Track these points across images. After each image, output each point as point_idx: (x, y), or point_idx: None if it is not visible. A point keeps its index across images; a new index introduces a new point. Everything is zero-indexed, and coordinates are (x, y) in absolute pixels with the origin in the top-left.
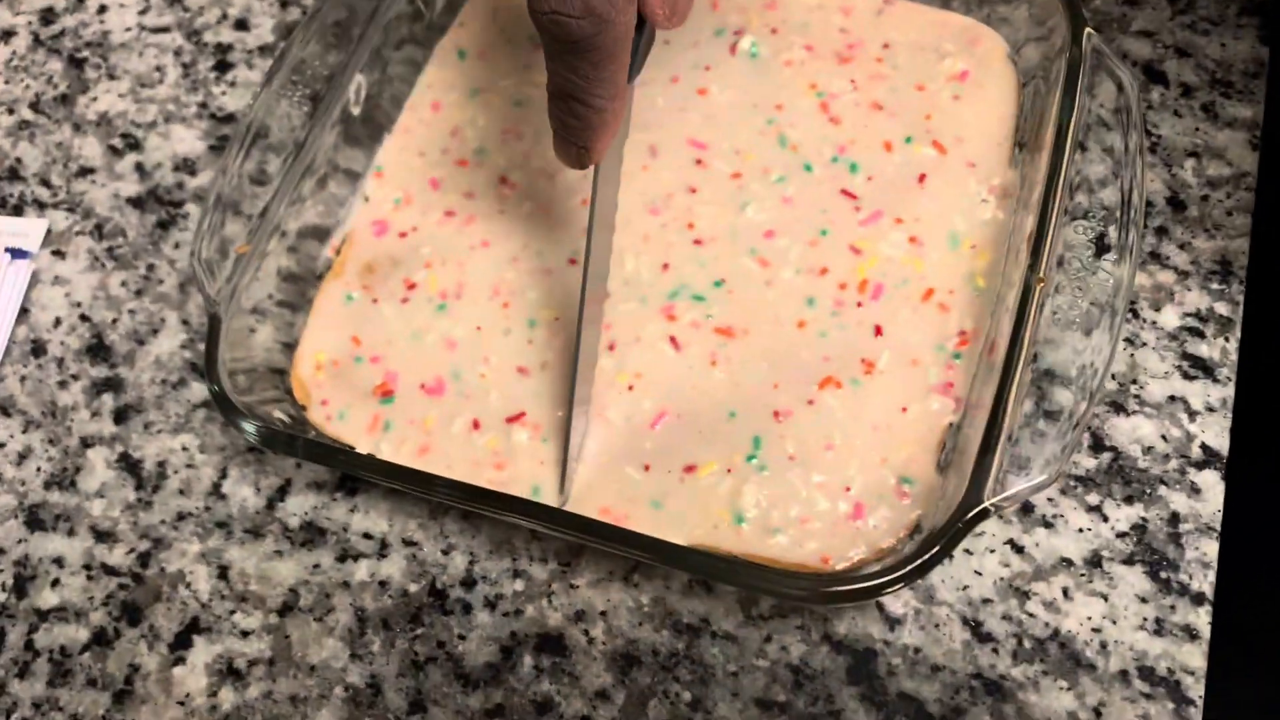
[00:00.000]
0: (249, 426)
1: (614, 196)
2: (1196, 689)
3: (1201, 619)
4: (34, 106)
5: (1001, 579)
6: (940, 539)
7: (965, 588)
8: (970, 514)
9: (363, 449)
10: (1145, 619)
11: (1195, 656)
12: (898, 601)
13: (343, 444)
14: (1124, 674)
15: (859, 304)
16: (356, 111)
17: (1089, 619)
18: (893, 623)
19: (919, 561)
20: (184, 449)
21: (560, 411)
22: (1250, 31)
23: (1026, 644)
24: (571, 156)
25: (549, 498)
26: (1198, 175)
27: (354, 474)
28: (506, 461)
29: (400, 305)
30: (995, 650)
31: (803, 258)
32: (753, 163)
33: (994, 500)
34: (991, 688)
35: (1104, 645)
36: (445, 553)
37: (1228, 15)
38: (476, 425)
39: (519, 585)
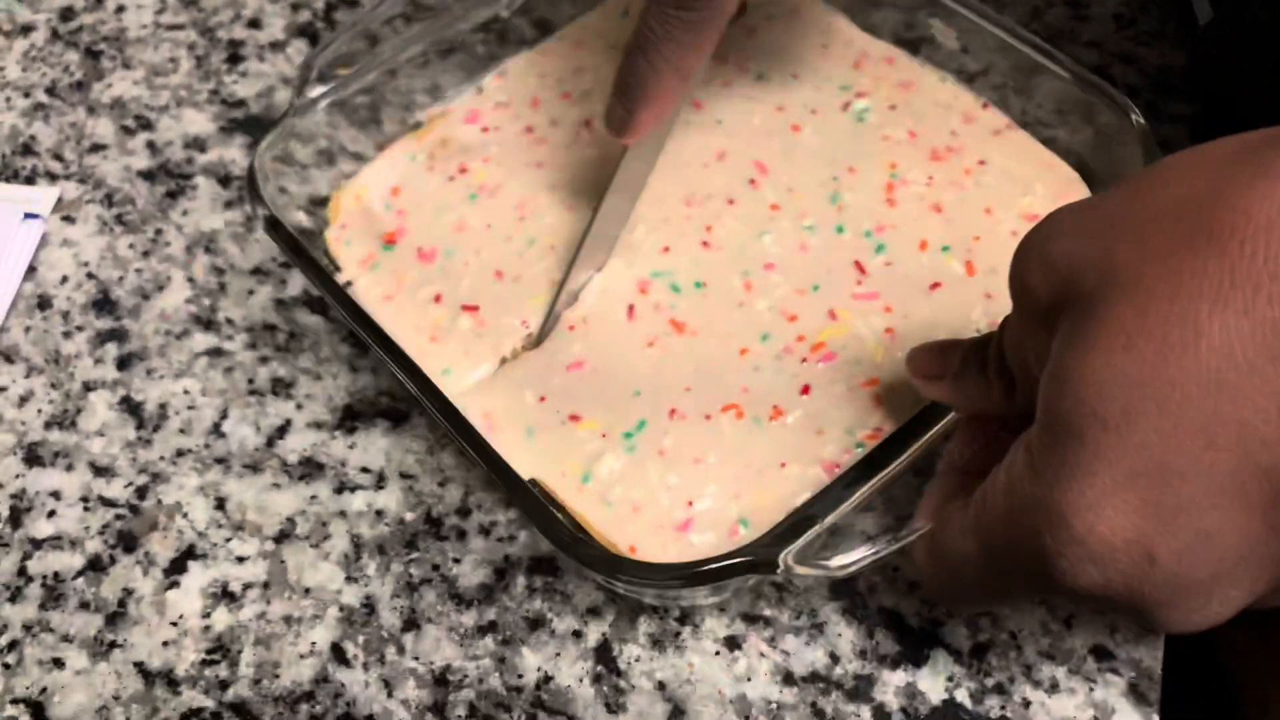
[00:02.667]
0: (261, 211)
1: (642, 176)
2: None
3: None
4: (50, 91)
5: None
6: (715, 563)
7: None
8: (753, 558)
9: (346, 275)
10: None
11: None
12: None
13: (333, 259)
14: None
15: (804, 359)
16: (508, 13)
17: None
18: None
19: (689, 573)
20: (185, 392)
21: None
22: (1185, 45)
23: None
24: (615, 119)
25: (451, 385)
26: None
27: (310, 282)
28: (440, 337)
29: (445, 181)
30: None
31: (784, 299)
32: (796, 204)
33: (788, 559)
34: None
35: None
36: (441, 484)
37: (1166, 29)
38: (438, 299)
39: (512, 514)
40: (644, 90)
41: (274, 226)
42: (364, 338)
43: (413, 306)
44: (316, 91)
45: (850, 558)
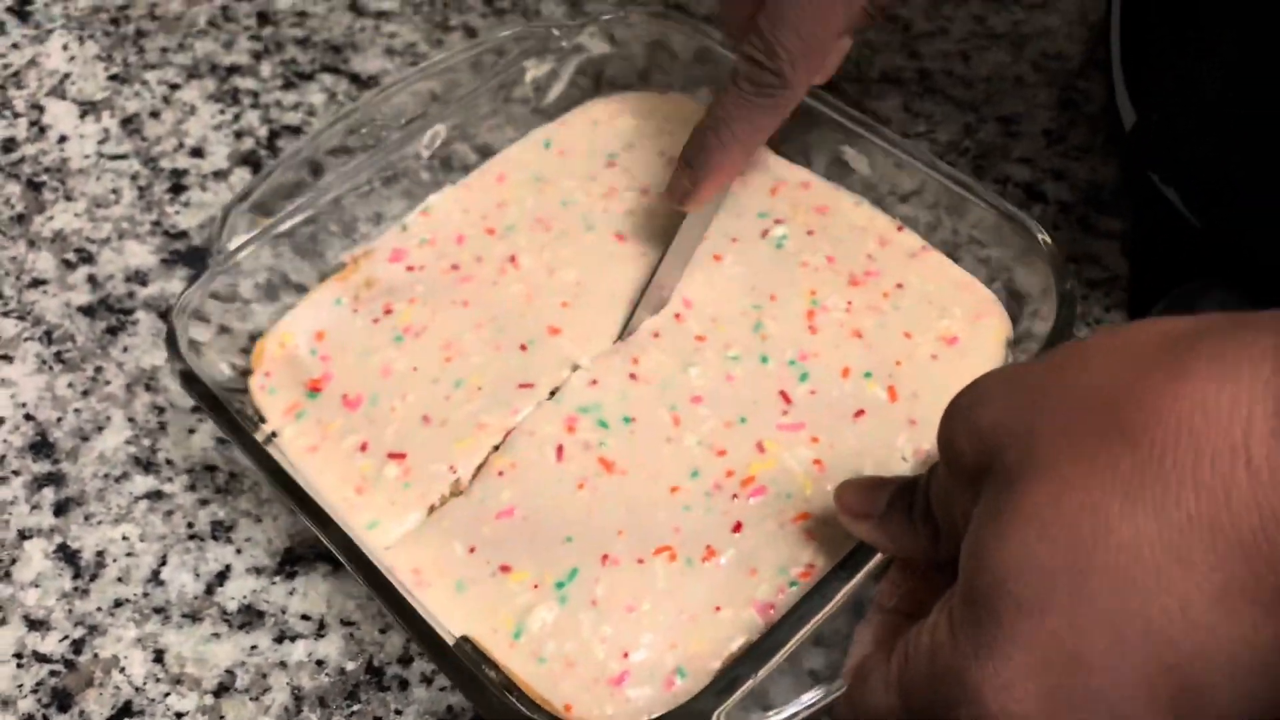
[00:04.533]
0: (178, 366)
1: (696, 240)
2: None
3: None
4: None
5: None
6: None
7: None
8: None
9: (271, 425)
10: None
11: None
12: None
13: (257, 411)
14: None
15: (734, 495)
16: (429, 153)
17: None
18: None
19: None
20: (124, 538)
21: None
22: (1114, 158)
23: None
24: (680, 190)
25: (379, 537)
26: (1078, 278)
27: (224, 433)
28: (366, 488)
29: (370, 323)
30: None
31: (712, 432)
32: (721, 334)
33: (722, 716)
34: None
35: None
36: (383, 631)
37: (1095, 144)
38: (364, 447)
39: None
40: (710, 165)
41: (189, 381)
42: (283, 499)
43: (338, 457)
44: (235, 242)
45: (782, 714)
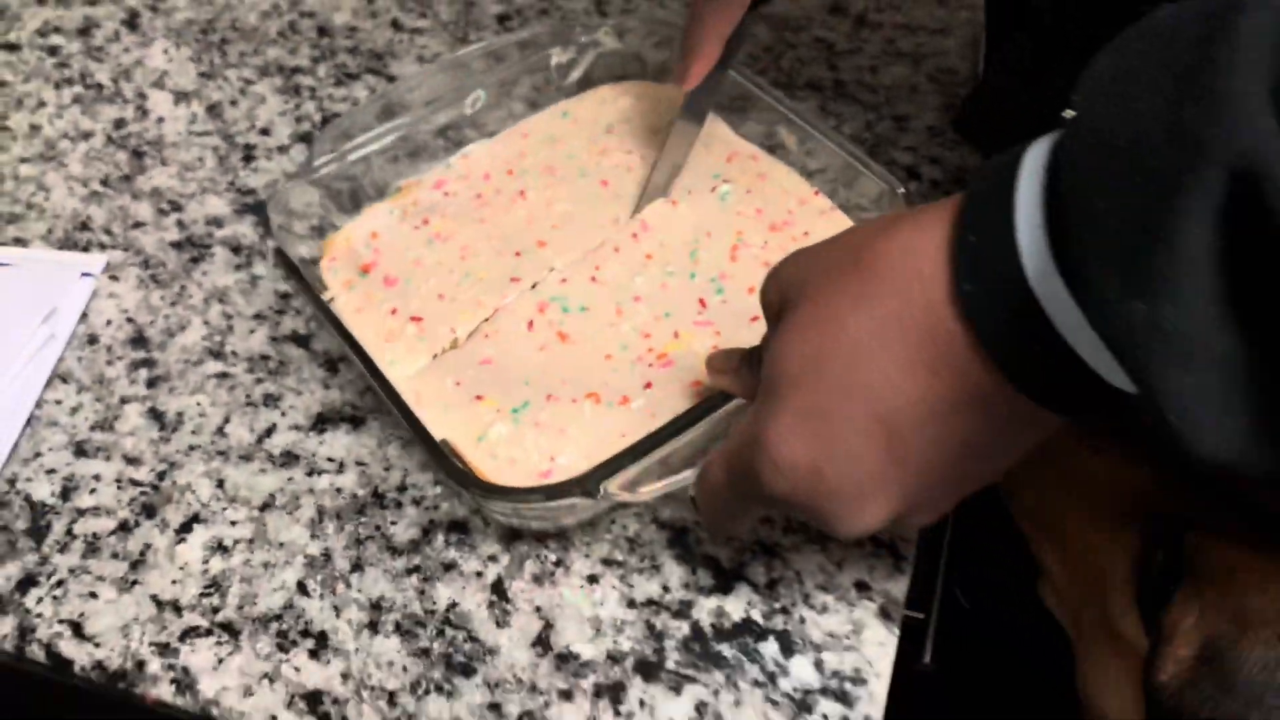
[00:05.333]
0: (271, 243)
1: (698, 127)
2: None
3: None
4: (104, 182)
5: None
6: (567, 491)
7: None
8: (576, 483)
9: (331, 293)
10: None
11: None
12: None
13: (323, 282)
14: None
15: (650, 365)
16: (471, 112)
17: None
18: None
19: (527, 491)
20: (198, 404)
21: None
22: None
23: (794, 523)
24: (677, 73)
25: (397, 371)
26: None
27: (300, 293)
28: (392, 339)
29: (412, 230)
30: (771, 525)
31: (644, 322)
32: (663, 255)
33: (606, 486)
34: (766, 548)
35: None
36: (386, 469)
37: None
38: (394, 312)
39: (438, 490)
40: (691, 47)
41: (280, 255)
42: (335, 335)
43: (376, 317)
44: (318, 161)
45: (652, 487)
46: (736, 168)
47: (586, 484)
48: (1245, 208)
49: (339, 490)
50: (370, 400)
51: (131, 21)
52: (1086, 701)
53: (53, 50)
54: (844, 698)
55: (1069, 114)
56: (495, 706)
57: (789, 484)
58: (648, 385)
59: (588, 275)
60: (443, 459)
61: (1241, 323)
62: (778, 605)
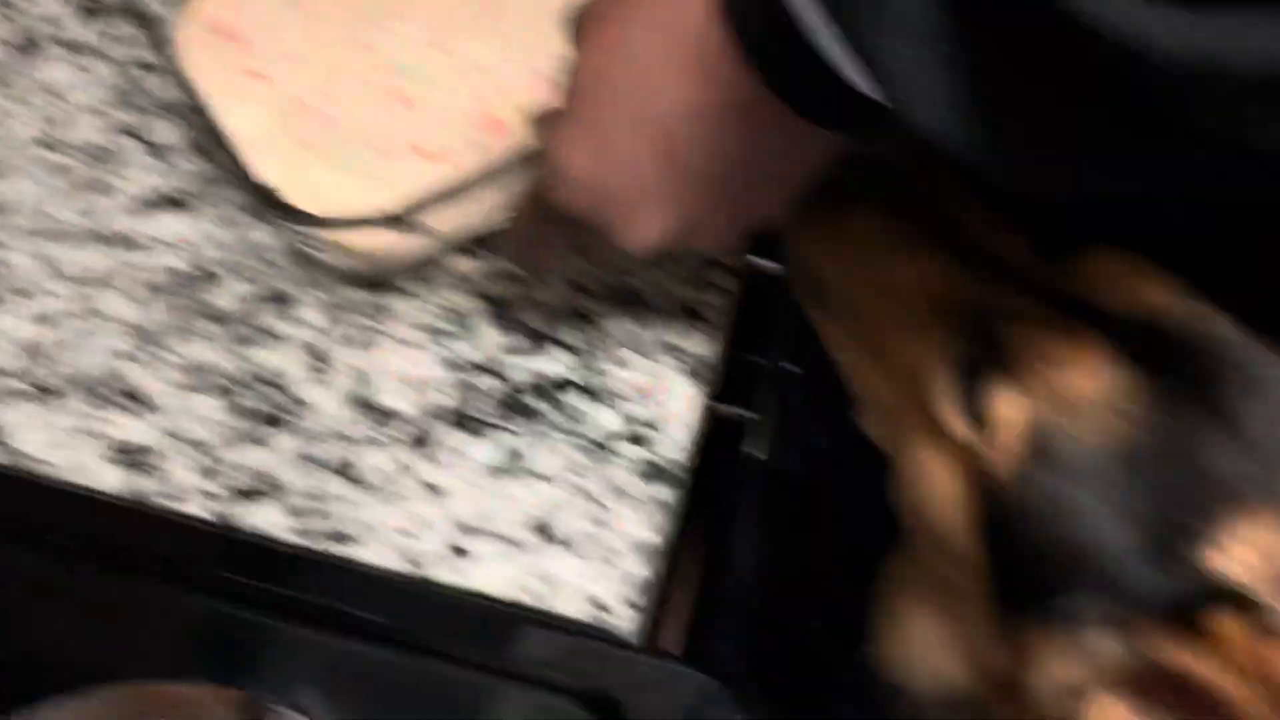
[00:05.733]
0: None
1: None
2: None
3: None
4: None
5: None
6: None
7: None
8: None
9: (183, 50)
10: None
11: None
12: None
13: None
14: None
15: (484, 127)
16: None
17: None
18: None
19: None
20: (27, 191)
21: None
22: None
23: (607, 288)
24: None
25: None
26: None
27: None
28: (235, 92)
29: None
30: (586, 292)
31: (485, 90)
32: (512, 31)
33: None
34: (580, 314)
35: None
36: (212, 246)
37: None
38: (243, 71)
39: (262, 264)
40: None
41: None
42: (181, 87)
43: (223, 74)
44: None
45: (464, 221)
46: None
47: (399, 216)
48: None
49: (164, 267)
50: (200, 185)
51: None
52: (911, 511)
53: None
54: (644, 442)
55: None
56: (308, 456)
57: (576, 194)
58: (476, 145)
59: (436, 46)
60: (271, 197)
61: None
62: (587, 364)
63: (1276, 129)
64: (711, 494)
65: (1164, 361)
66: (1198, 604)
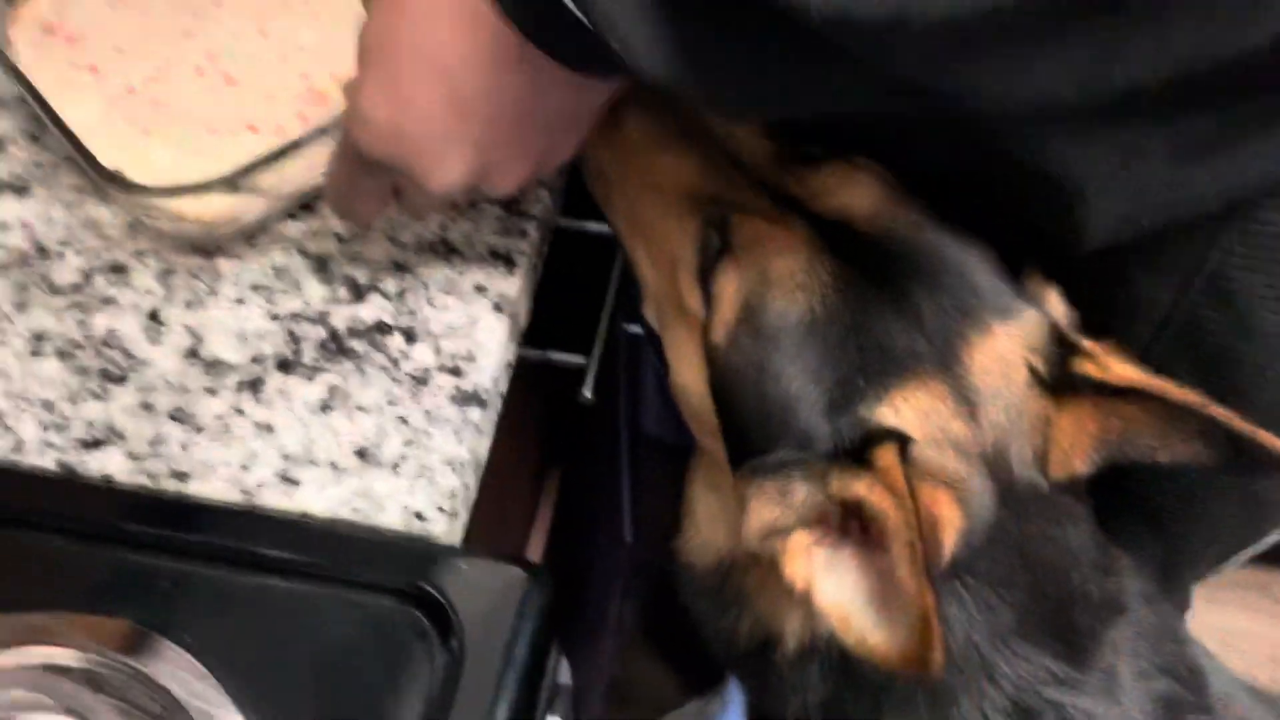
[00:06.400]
0: None
1: None
2: None
3: None
4: None
5: None
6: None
7: None
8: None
9: (16, 49)
10: None
11: None
12: None
13: (7, 39)
14: None
15: (306, 101)
16: None
17: None
18: (344, 239)
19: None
20: None
21: None
22: None
23: (424, 242)
24: None
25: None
26: None
27: None
28: (70, 85)
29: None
30: (403, 246)
31: (306, 68)
32: (329, 12)
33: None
34: (399, 266)
35: None
36: (49, 227)
37: None
38: (74, 66)
39: (99, 240)
40: None
41: None
42: (17, 84)
43: (56, 68)
44: None
45: (289, 182)
46: None
47: (229, 180)
48: None
49: (3, 247)
50: (37, 172)
51: None
52: (675, 389)
53: None
54: (457, 372)
55: None
56: (147, 406)
57: (379, 142)
58: (302, 117)
59: (257, 29)
60: (113, 177)
61: None
62: (405, 308)
63: (956, 70)
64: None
65: (850, 251)
66: (868, 446)
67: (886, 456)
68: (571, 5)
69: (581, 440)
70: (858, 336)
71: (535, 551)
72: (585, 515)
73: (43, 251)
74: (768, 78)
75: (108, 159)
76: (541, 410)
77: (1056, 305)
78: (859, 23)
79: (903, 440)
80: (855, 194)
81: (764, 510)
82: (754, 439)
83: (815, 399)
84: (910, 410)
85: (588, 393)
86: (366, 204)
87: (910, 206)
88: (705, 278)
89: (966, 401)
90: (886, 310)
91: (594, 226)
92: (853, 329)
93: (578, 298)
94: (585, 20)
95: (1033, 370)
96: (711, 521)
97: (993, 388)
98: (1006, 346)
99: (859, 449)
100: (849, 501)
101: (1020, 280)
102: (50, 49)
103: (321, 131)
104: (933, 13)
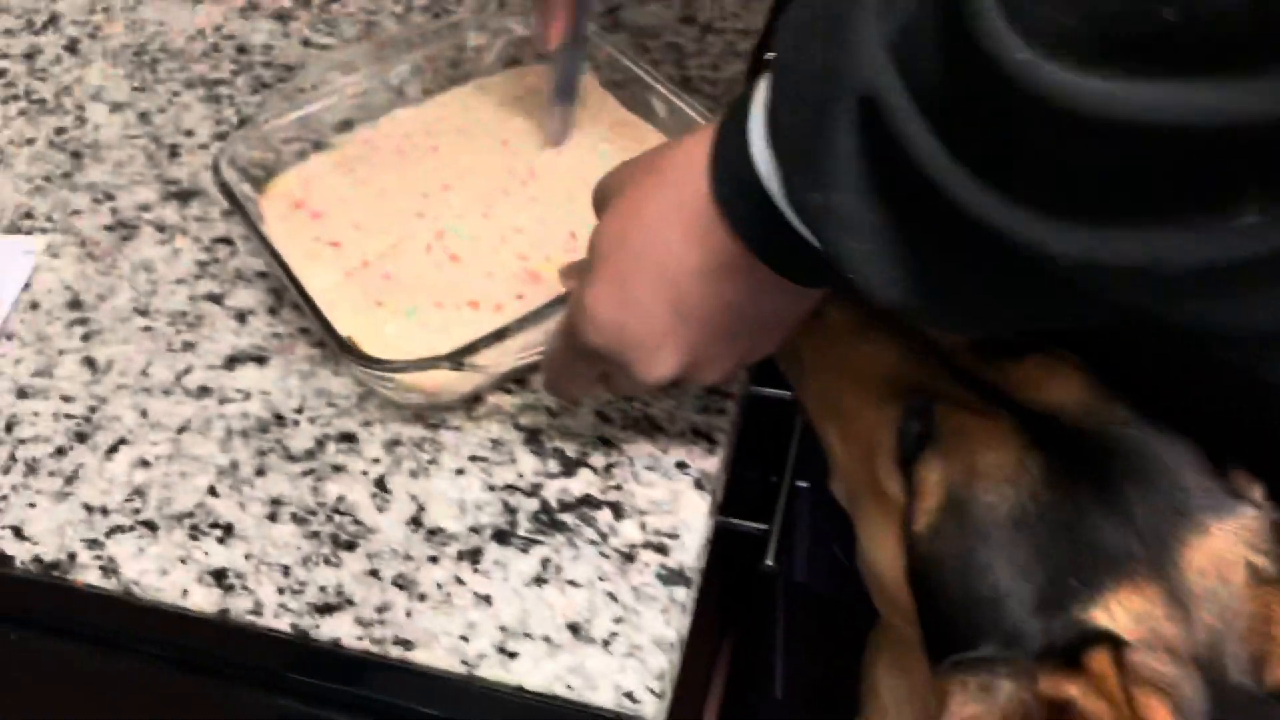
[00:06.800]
0: (225, 176)
1: (565, 75)
2: None
3: None
4: (46, 179)
5: None
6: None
7: None
8: (444, 358)
9: (266, 224)
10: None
11: None
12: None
13: (260, 215)
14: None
15: (523, 280)
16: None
17: None
18: (554, 412)
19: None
20: (125, 353)
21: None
22: None
23: (630, 418)
24: (536, 38)
25: (316, 283)
26: None
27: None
28: (312, 257)
29: (341, 176)
30: (610, 422)
31: (522, 249)
32: (546, 198)
33: (465, 359)
34: (606, 441)
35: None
36: (287, 396)
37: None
38: (317, 239)
39: (332, 409)
40: (544, 9)
41: (224, 188)
42: (266, 254)
43: (301, 242)
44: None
45: (508, 360)
46: (617, 133)
47: (454, 358)
48: (871, 121)
49: (245, 414)
50: (275, 343)
51: (72, 46)
52: (865, 567)
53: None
54: (662, 549)
55: (770, 55)
56: (374, 572)
57: (601, 337)
58: (519, 296)
59: (480, 212)
60: (344, 344)
61: (883, 202)
62: (612, 483)
63: (1198, 307)
64: (742, 607)
65: (1060, 447)
66: (1080, 648)
67: (1101, 660)
68: (806, 233)
69: (754, 607)
70: (1070, 534)
71: None
72: (752, 683)
73: (279, 419)
74: (1003, 307)
75: (343, 327)
76: (720, 578)
77: (1264, 503)
78: (1107, 269)
79: (1116, 643)
80: (1062, 387)
81: (966, 707)
82: (957, 630)
83: (1025, 596)
84: (1124, 613)
85: (770, 560)
86: (578, 385)
87: (1119, 401)
88: (906, 464)
89: (1180, 604)
90: (1098, 508)
91: (772, 392)
92: (1064, 526)
93: (757, 463)
94: (820, 249)
95: (1253, 569)
96: (898, 705)
97: (1207, 589)
98: (1224, 545)
99: (1070, 650)
100: (1058, 702)
101: (1227, 477)
102: (297, 223)
103: (537, 316)
104: (1186, 261)
